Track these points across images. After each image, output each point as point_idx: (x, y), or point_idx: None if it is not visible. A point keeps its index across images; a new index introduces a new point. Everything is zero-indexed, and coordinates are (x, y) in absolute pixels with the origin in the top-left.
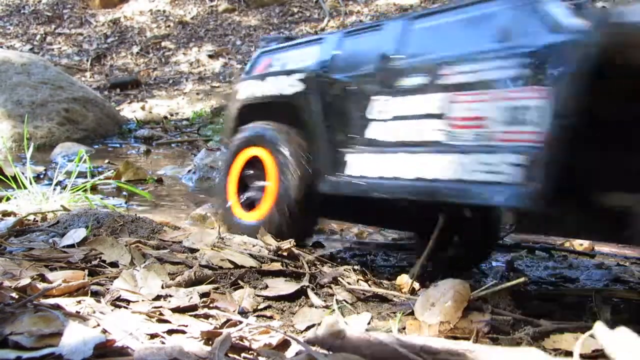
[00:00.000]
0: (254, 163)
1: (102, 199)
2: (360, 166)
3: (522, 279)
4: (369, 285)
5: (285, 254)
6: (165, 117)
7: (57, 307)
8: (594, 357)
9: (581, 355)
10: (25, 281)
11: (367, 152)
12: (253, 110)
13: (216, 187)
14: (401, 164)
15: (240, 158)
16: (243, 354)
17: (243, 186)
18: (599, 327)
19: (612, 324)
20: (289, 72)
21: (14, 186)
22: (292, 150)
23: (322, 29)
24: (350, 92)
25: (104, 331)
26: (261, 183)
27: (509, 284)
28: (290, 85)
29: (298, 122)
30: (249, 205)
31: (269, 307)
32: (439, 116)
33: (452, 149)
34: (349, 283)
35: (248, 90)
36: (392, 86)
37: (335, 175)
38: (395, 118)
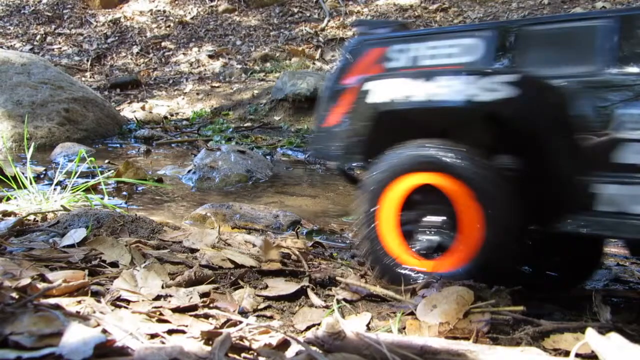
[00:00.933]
0: (420, 193)
1: (102, 199)
2: (626, 200)
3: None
4: (369, 285)
5: (283, 255)
6: (165, 117)
7: (57, 307)
8: (594, 357)
9: (581, 355)
10: (25, 281)
11: (632, 182)
12: (401, 121)
13: (360, 230)
14: None
15: (398, 188)
16: (243, 354)
17: (405, 224)
18: (591, 332)
19: (612, 325)
20: (478, 73)
21: (14, 186)
22: (498, 181)
23: (322, 29)
24: (586, 102)
25: (104, 331)
26: (437, 219)
27: (510, 308)
28: (489, 90)
29: (495, 138)
30: (423, 249)
31: (269, 307)
32: None
33: None
34: (348, 284)
35: (393, 92)
36: None
37: (582, 212)
38: None
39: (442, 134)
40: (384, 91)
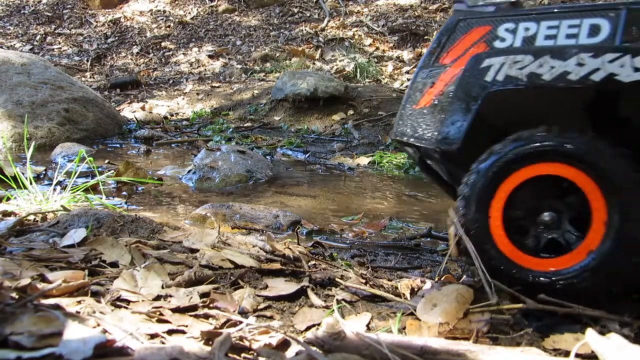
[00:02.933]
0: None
1: (102, 199)
2: None
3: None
4: (369, 286)
5: (284, 254)
6: (165, 117)
7: (57, 307)
8: (594, 357)
9: (581, 356)
10: (25, 281)
11: None
12: (512, 103)
13: (463, 224)
14: None
15: (514, 179)
16: (243, 354)
17: (514, 219)
18: (591, 333)
19: (612, 325)
20: (625, 51)
21: (14, 186)
22: (634, 172)
23: (322, 29)
24: None
25: (104, 331)
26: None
27: (510, 306)
28: (635, 70)
29: (630, 127)
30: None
31: (269, 307)
32: None
33: None
34: (347, 285)
35: (511, 70)
36: None
37: None
38: None
39: (568, 120)
40: (502, 69)
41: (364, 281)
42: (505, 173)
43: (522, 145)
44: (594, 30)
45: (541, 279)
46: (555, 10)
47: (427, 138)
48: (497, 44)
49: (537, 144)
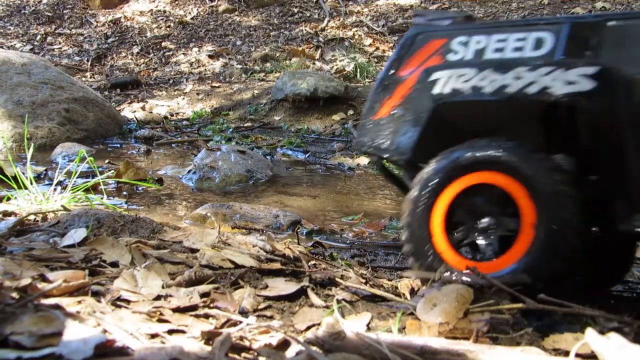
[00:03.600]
0: (474, 192)
1: (102, 198)
2: None
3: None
4: (369, 286)
5: (284, 254)
6: (166, 117)
7: (58, 307)
8: (594, 357)
9: (581, 355)
10: (25, 281)
11: None
12: (457, 114)
13: (408, 226)
14: None
15: (455, 186)
16: (243, 354)
17: (454, 223)
18: (591, 333)
19: (611, 326)
20: (558, 65)
21: (15, 186)
22: (567, 181)
23: (322, 29)
24: None
25: (104, 331)
26: (487, 220)
27: (509, 306)
28: (566, 83)
29: (554, 137)
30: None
31: (269, 307)
32: None
33: None
34: (347, 285)
35: (456, 83)
36: None
37: None
38: None
39: (506, 130)
40: (446, 82)
41: (364, 281)
42: (444, 183)
43: (457, 157)
44: (538, 43)
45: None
46: (505, 23)
47: (383, 148)
48: (451, 57)
49: (470, 155)
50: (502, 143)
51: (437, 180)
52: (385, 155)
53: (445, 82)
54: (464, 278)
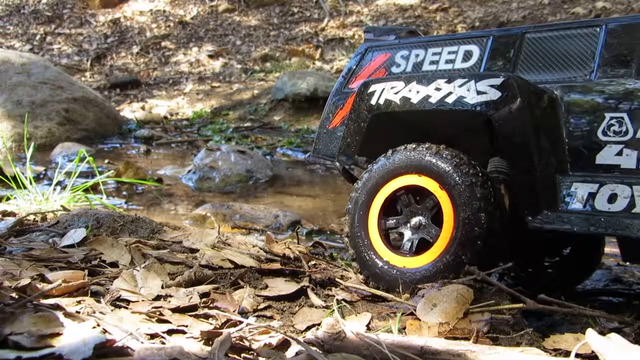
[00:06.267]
0: (406, 193)
1: (101, 199)
2: (597, 198)
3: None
4: (369, 286)
5: (284, 254)
6: (165, 117)
7: (57, 307)
8: (594, 357)
9: (581, 356)
10: (25, 281)
11: (606, 182)
12: (392, 122)
13: (349, 224)
14: None
15: (387, 188)
16: (243, 354)
17: (387, 223)
18: (592, 333)
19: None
20: (470, 76)
21: (14, 186)
22: (479, 182)
23: (322, 29)
24: (572, 105)
25: (104, 331)
26: (417, 219)
27: (509, 306)
28: (478, 93)
29: (477, 141)
30: (400, 246)
31: (269, 307)
32: None
33: None
34: (347, 285)
35: (388, 95)
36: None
37: (553, 209)
38: None
39: (436, 137)
40: (380, 94)
41: (364, 281)
42: (377, 186)
43: (385, 163)
44: (467, 56)
45: (394, 270)
46: (441, 38)
47: (333, 154)
48: (394, 70)
49: (395, 160)
50: (426, 149)
51: (372, 183)
52: (335, 161)
53: (380, 94)
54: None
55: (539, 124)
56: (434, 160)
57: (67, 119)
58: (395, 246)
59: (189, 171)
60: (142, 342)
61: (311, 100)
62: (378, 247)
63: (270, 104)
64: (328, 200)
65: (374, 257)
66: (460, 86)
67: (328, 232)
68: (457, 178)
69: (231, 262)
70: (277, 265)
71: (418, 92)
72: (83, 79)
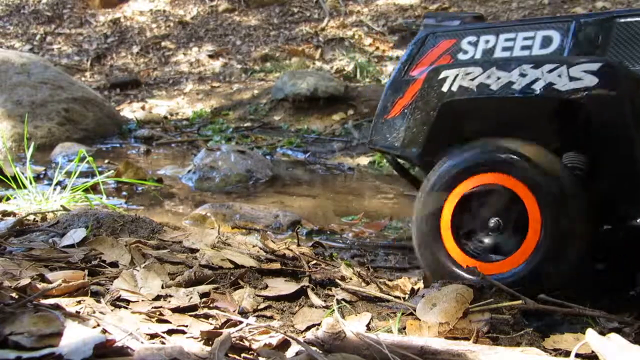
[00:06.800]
0: (482, 193)
1: (102, 198)
2: None
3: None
4: (369, 286)
5: (284, 254)
6: (165, 117)
7: (57, 307)
8: (594, 357)
9: (581, 356)
10: (25, 281)
11: None
12: (466, 111)
13: (418, 226)
14: None
15: (462, 187)
16: (243, 354)
17: (461, 224)
18: (592, 333)
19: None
20: (561, 62)
21: (14, 186)
22: (561, 183)
23: (322, 29)
24: None
25: (104, 331)
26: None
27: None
28: (570, 79)
29: (572, 134)
30: (479, 251)
31: (269, 307)
32: None
33: None
34: (347, 285)
35: (463, 81)
36: None
37: None
38: None
39: (511, 129)
40: (454, 80)
41: (363, 281)
42: (453, 183)
43: (467, 158)
44: (546, 41)
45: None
46: (513, 23)
47: (395, 146)
48: (461, 56)
49: (478, 156)
50: (509, 144)
51: (444, 181)
52: (397, 153)
53: (452, 80)
54: (467, 276)
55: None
56: (520, 158)
57: (67, 118)
58: (471, 253)
59: (189, 171)
60: (142, 342)
61: (311, 100)
62: (455, 256)
63: (270, 104)
64: (328, 200)
65: (451, 262)
66: (550, 72)
67: (328, 232)
68: (548, 179)
69: (231, 262)
70: (277, 265)
71: (499, 78)
72: (83, 79)
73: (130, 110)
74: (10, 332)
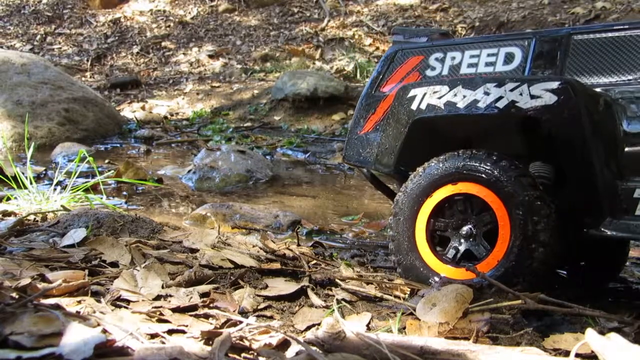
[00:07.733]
0: (454, 202)
1: (102, 199)
2: None
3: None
4: (369, 286)
5: (284, 254)
6: (165, 117)
7: (57, 307)
8: (594, 357)
9: (581, 356)
10: (25, 281)
11: None
12: (435, 128)
13: (394, 233)
14: None
15: (435, 196)
16: (243, 354)
17: (435, 231)
18: (591, 333)
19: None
20: (522, 80)
21: (14, 186)
22: (532, 190)
23: (322, 29)
24: (627, 109)
25: (104, 331)
26: (466, 228)
27: (508, 303)
28: (531, 97)
29: (537, 146)
30: (454, 256)
31: (269, 307)
32: None
33: None
34: (347, 285)
35: (431, 99)
36: None
37: (617, 216)
38: None
39: (478, 142)
40: (422, 98)
41: (364, 281)
42: (426, 193)
43: (439, 168)
44: (509, 58)
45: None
46: (478, 39)
47: (369, 161)
48: (428, 73)
49: (451, 167)
50: (480, 156)
51: (419, 191)
52: (371, 168)
53: (421, 98)
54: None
55: (597, 129)
56: (489, 168)
57: (67, 119)
58: (449, 258)
59: (189, 171)
60: (142, 342)
61: (311, 100)
62: (430, 263)
63: (270, 104)
64: (328, 200)
65: (425, 267)
66: (512, 90)
67: (328, 232)
68: (516, 187)
69: (231, 262)
70: (277, 265)
71: (465, 96)
72: (83, 79)
73: (130, 110)
74: (11, 332)
